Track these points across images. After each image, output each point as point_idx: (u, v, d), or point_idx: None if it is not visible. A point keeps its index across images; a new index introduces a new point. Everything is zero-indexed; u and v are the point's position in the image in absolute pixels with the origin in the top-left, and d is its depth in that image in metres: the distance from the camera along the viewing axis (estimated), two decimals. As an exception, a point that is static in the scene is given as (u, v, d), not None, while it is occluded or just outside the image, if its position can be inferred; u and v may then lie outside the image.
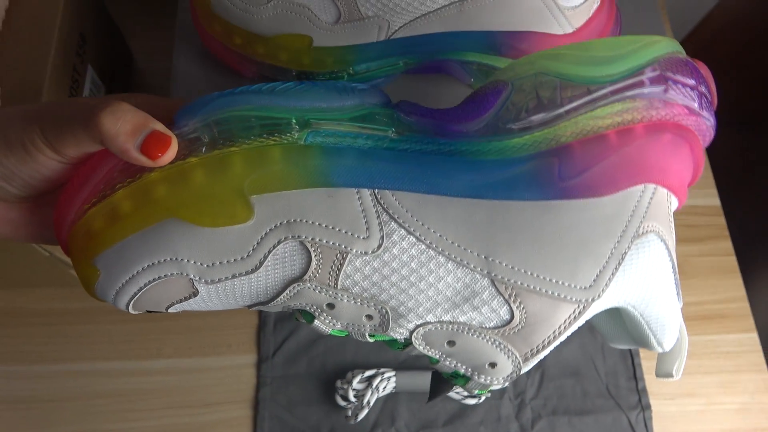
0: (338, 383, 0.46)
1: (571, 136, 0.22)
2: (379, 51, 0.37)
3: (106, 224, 0.21)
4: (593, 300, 0.23)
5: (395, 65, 0.38)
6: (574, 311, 0.23)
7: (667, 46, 0.23)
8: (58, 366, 0.47)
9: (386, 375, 0.46)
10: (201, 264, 0.22)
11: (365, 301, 0.23)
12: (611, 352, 0.50)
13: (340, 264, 0.22)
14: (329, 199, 0.22)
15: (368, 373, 0.46)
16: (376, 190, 0.22)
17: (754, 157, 0.68)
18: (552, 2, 0.34)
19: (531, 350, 0.24)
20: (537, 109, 0.23)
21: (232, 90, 0.22)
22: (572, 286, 0.23)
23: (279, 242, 0.22)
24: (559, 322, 0.23)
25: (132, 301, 0.22)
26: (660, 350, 0.26)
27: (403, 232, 0.22)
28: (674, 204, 0.25)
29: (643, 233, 0.23)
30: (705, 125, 0.24)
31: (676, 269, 0.24)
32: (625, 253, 0.23)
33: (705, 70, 0.24)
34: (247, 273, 0.22)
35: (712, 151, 0.59)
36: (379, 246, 0.22)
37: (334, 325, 0.24)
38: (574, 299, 0.23)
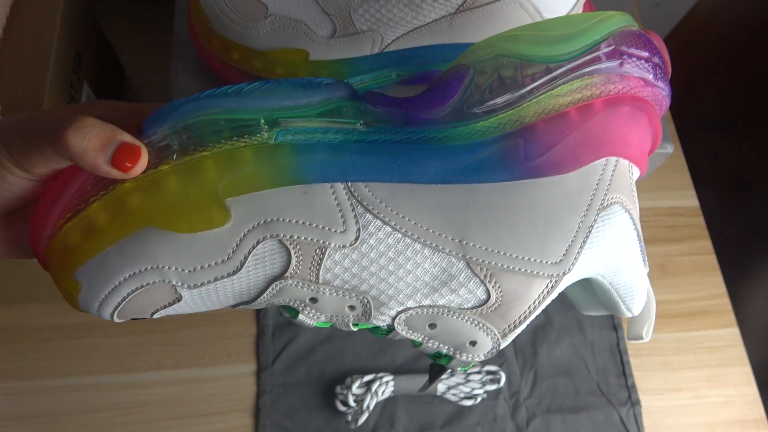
0: (338, 389, 0.47)
1: (534, 115, 0.23)
2: (372, 63, 0.38)
3: (83, 238, 0.21)
4: (564, 274, 0.24)
5: (388, 77, 0.40)
6: (546, 286, 0.24)
7: (620, 20, 0.24)
8: (58, 381, 0.47)
9: (384, 379, 0.47)
10: (182, 270, 0.22)
11: (347, 293, 0.23)
12: (601, 351, 0.52)
13: (320, 259, 0.23)
14: (304, 196, 0.22)
15: (367, 378, 0.47)
16: (350, 183, 0.22)
17: (738, 157, 0.71)
18: (537, 15, 0.36)
19: (508, 326, 0.24)
20: (500, 91, 0.23)
21: (198, 95, 0.22)
22: (543, 262, 0.23)
23: (258, 242, 0.22)
24: (534, 297, 0.24)
25: (116, 311, 0.22)
26: (629, 315, 0.27)
27: (378, 222, 0.23)
28: (636, 173, 0.26)
29: (607, 205, 0.24)
30: (661, 95, 0.25)
31: (641, 236, 0.25)
32: (592, 225, 0.24)
33: (658, 41, 0.25)
34: (228, 275, 0.22)
35: (690, 150, 0.61)
36: (357, 238, 0.23)
37: (317, 318, 0.24)
38: (546, 274, 0.24)
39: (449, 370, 0.27)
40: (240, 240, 0.22)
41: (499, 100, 0.23)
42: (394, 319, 0.24)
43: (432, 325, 0.24)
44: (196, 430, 0.47)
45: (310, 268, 0.23)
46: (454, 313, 0.24)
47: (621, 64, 0.23)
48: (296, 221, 0.22)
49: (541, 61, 0.23)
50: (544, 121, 0.23)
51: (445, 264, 0.23)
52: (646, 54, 0.24)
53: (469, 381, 0.48)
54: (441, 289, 0.24)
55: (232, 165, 0.21)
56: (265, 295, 0.23)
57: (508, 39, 0.23)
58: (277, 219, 0.22)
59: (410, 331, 0.25)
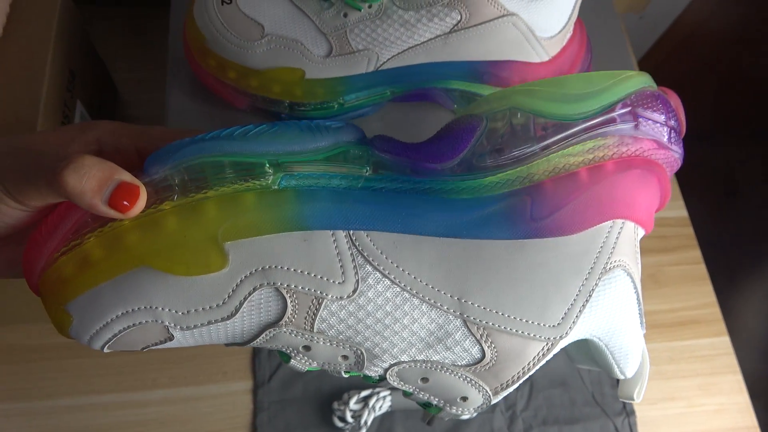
0: (335, 405, 0.47)
1: (544, 174, 0.23)
2: (368, 81, 0.38)
3: (78, 271, 0.21)
4: (561, 338, 0.23)
5: (383, 94, 0.40)
6: (542, 348, 0.24)
7: (639, 81, 0.24)
8: (53, 401, 0.46)
9: (382, 394, 0.47)
10: (176, 312, 0.21)
11: (341, 343, 0.23)
12: (595, 361, 0.52)
13: (316, 309, 0.22)
14: (304, 243, 0.21)
15: (364, 393, 0.47)
16: (351, 232, 0.22)
17: (723, 164, 0.72)
18: (530, 33, 0.36)
19: (501, 385, 0.24)
20: (511, 145, 0.23)
21: (203, 136, 0.22)
22: (541, 324, 0.23)
23: (255, 289, 0.21)
24: (528, 359, 0.24)
25: (106, 345, 0.22)
26: (622, 377, 0.27)
27: (378, 275, 0.22)
28: (641, 234, 0.25)
29: (610, 269, 0.23)
30: (673, 157, 0.25)
31: (641, 299, 0.25)
32: (593, 290, 0.23)
33: (675, 100, 0.25)
34: (222, 320, 0.22)
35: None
36: (355, 290, 0.22)
37: (310, 364, 0.24)
38: (543, 337, 0.23)
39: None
40: (236, 286, 0.21)
41: (509, 155, 0.23)
42: (386, 371, 0.24)
43: (424, 379, 0.24)
44: (193, 449, 0.46)
45: (305, 318, 0.22)
46: (447, 369, 0.24)
47: (636, 126, 0.23)
48: (294, 269, 0.22)
49: (555, 118, 0.23)
50: (553, 180, 0.23)
51: (442, 321, 0.23)
52: (662, 117, 0.24)
53: (465, 394, 0.48)
54: (436, 345, 0.23)
55: (234, 209, 0.21)
56: (258, 340, 0.23)
57: (524, 93, 0.23)
58: (276, 266, 0.21)
59: (402, 383, 0.25)
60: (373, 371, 0.24)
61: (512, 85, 0.38)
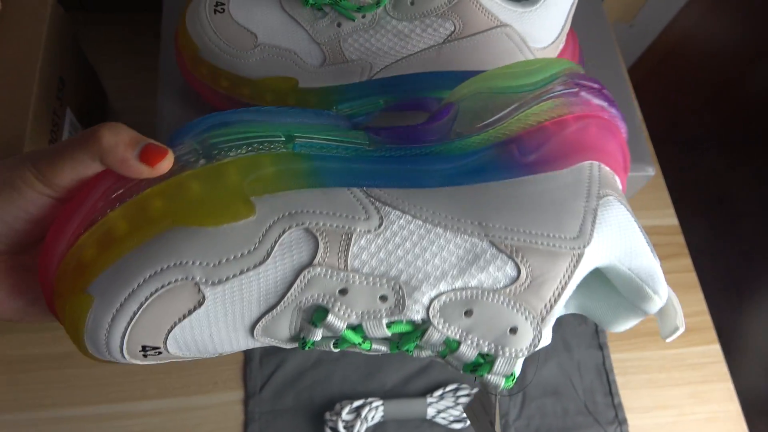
0: (327, 415, 0.47)
1: (518, 129, 0.26)
2: (361, 91, 0.38)
3: (100, 249, 0.21)
4: (584, 246, 0.24)
5: (376, 103, 0.40)
6: (571, 260, 0.24)
7: (569, 63, 0.28)
8: (39, 413, 0.45)
9: (374, 404, 0.47)
10: (207, 264, 0.22)
11: (377, 279, 0.23)
12: (588, 371, 0.52)
13: (347, 244, 0.23)
14: (324, 195, 0.24)
15: (356, 403, 0.47)
16: (365, 188, 0.24)
17: (710, 171, 0.73)
18: (523, 44, 0.36)
19: (545, 305, 0.24)
20: (482, 117, 0.26)
21: (221, 112, 0.24)
22: (562, 236, 0.24)
23: (284, 231, 0.23)
24: (561, 272, 0.24)
25: (129, 329, 0.22)
26: (657, 300, 0.26)
27: (398, 212, 0.24)
28: (619, 185, 0.28)
29: (604, 195, 0.26)
30: (617, 119, 0.28)
31: (644, 231, 0.26)
32: (596, 209, 0.25)
33: (599, 83, 0.29)
34: (255, 266, 0.22)
35: (664, 168, 0.62)
36: (380, 224, 0.24)
37: (348, 315, 0.23)
38: (567, 248, 0.24)
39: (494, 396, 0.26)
40: (266, 230, 0.22)
41: (483, 123, 0.26)
42: (428, 309, 0.24)
43: (468, 312, 0.24)
44: (183, 460, 0.46)
45: (338, 254, 0.23)
46: (488, 294, 0.24)
47: (578, 92, 0.27)
48: (320, 211, 0.23)
49: (512, 91, 0.27)
50: (527, 132, 0.26)
51: (469, 245, 0.24)
52: (596, 86, 0.28)
53: (458, 404, 0.48)
54: (470, 268, 0.24)
55: (254, 168, 0.23)
56: (293, 289, 0.23)
57: (483, 79, 0.28)
58: (302, 211, 0.23)
59: (446, 324, 0.24)
60: (415, 311, 0.24)
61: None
